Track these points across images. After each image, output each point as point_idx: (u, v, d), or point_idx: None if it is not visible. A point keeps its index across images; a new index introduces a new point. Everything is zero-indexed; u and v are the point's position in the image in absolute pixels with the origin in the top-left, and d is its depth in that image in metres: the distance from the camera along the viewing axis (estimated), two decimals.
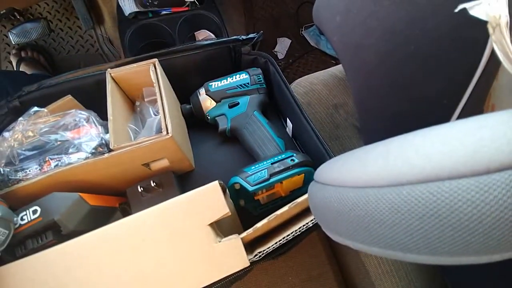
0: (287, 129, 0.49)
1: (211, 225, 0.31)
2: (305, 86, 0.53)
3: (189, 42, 0.49)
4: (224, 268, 0.29)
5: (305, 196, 0.32)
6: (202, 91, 0.48)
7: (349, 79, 0.33)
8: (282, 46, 1.04)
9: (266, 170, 0.35)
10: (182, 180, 0.45)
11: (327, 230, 0.23)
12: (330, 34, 0.34)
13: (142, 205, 0.38)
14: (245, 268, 0.30)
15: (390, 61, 0.27)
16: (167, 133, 0.36)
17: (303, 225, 0.31)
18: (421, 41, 0.26)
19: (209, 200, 0.31)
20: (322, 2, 0.34)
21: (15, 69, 0.93)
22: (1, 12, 0.91)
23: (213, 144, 0.49)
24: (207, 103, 0.48)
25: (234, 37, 0.48)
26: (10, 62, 0.96)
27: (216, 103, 0.47)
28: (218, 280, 0.29)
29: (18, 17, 0.98)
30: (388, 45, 0.27)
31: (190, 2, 0.76)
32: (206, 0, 0.77)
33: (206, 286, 0.30)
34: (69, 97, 0.39)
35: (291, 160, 0.36)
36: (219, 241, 0.30)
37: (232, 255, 0.30)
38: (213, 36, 0.80)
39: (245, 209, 0.41)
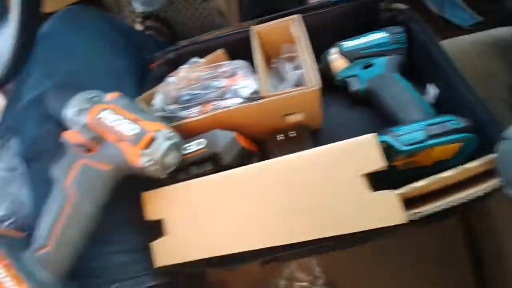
0: (427, 96, 0.44)
1: (365, 176, 0.30)
2: (449, 51, 0.47)
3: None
4: (378, 219, 0.29)
5: (475, 163, 0.29)
6: (333, 50, 0.46)
7: None
8: None
9: (422, 131, 0.33)
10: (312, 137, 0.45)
11: None
12: None
13: (278, 154, 0.41)
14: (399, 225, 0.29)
15: None
16: (314, 85, 0.36)
17: (471, 193, 0.28)
18: None
19: (365, 151, 0.30)
20: None
21: None
22: None
23: (340, 107, 0.47)
24: (338, 63, 0.46)
25: None
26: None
27: (349, 63, 0.45)
28: (370, 230, 0.29)
29: None
30: None
31: None
32: None
33: (352, 234, 0.30)
34: (221, 51, 0.44)
35: (453, 123, 0.33)
36: (373, 192, 0.30)
37: (387, 208, 0.29)
38: None
39: (377, 175, 0.40)
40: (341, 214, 0.30)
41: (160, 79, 0.45)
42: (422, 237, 0.42)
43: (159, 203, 0.36)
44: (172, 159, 0.33)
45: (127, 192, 0.39)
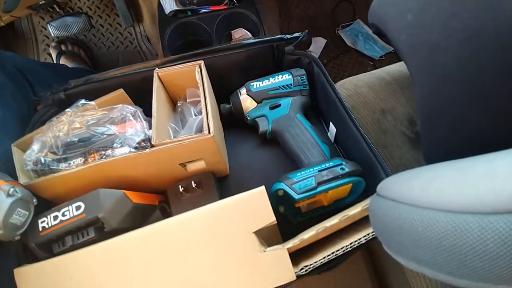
0: (328, 134, 0.47)
1: (255, 233, 0.29)
2: (349, 89, 0.51)
3: (229, 42, 0.48)
4: (270, 279, 0.28)
5: (357, 209, 0.30)
6: (243, 90, 0.46)
7: (417, 81, 0.30)
8: (317, 45, 1.01)
9: (313, 177, 0.33)
10: (217, 184, 0.43)
11: (394, 252, 0.21)
12: (395, 32, 0.32)
13: (181, 204, 0.38)
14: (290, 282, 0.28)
15: (471, 66, 0.24)
16: (209, 132, 0.35)
17: (355, 241, 0.29)
18: (510, 50, 0.23)
19: (255, 206, 0.29)
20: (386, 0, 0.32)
21: (55, 62, 0.96)
22: (41, 3, 0.91)
23: (250, 147, 0.47)
24: (248, 103, 0.46)
25: (279, 36, 0.46)
26: (49, 55, 0.97)
27: (257, 103, 0.46)
28: None
29: (58, 10, 0.97)
30: (470, 49, 0.24)
31: (229, 0, 0.76)
32: None
33: None
34: (120, 91, 0.40)
35: (341, 169, 0.34)
36: (264, 251, 0.29)
37: (278, 266, 0.28)
38: (249, 34, 0.79)
39: (282, 216, 0.39)
40: (235, 278, 0.28)
41: (45, 122, 0.39)
42: (326, 277, 0.42)
43: (32, 282, 0.29)
44: (18, 218, 0.29)
45: (4, 267, 0.32)
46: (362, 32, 1.02)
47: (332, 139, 0.46)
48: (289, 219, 0.40)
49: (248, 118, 0.46)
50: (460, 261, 0.15)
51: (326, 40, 1.02)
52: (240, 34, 0.78)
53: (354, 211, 0.29)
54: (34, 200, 0.32)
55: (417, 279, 0.41)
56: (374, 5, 0.35)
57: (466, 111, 0.27)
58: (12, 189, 0.29)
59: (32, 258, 0.33)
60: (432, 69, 0.28)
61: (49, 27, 0.88)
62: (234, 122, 0.48)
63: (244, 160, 0.46)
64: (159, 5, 0.76)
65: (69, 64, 0.92)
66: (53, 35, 0.89)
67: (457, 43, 0.27)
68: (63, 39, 0.97)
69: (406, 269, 0.42)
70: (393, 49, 1.02)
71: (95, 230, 0.31)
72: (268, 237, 0.34)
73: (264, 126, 0.45)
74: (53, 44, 0.97)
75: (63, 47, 0.96)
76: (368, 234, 0.29)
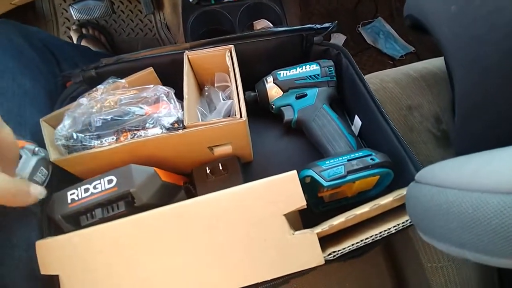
0: (353, 127, 0.47)
1: (285, 215, 0.29)
2: (375, 83, 0.50)
3: (261, 29, 0.48)
4: (298, 262, 0.28)
5: (389, 199, 0.30)
6: (269, 79, 0.46)
7: (457, 74, 0.30)
8: (336, 41, 1.00)
9: (343, 166, 0.33)
10: (242, 169, 0.44)
11: (436, 237, 0.21)
12: (438, 23, 0.31)
13: (207, 186, 0.38)
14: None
15: None
16: (241, 116, 0.35)
17: (385, 230, 0.29)
18: None
19: (286, 189, 0.29)
20: None
21: None
22: None
23: (274, 135, 0.47)
24: (273, 91, 0.46)
25: (309, 25, 0.46)
26: (70, 37, 0.97)
27: (283, 92, 0.46)
28: (286, 275, 0.28)
29: None
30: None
31: None
32: None
33: (268, 280, 0.28)
34: (150, 69, 0.40)
35: (371, 159, 0.34)
36: (293, 234, 0.29)
37: (306, 250, 0.28)
38: (271, 25, 0.78)
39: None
40: (263, 259, 0.28)
41: (75, 99, 0.39)
42: (346, 267, 0.42)
43: (55, 255, 0.30)
44: (40, 177, 0.30)
45: (25, 239, 0.33)
46: (384, 31, 1.01)
47: (356, 132, 0.46)
48: (310, 208, 0.41)
49: (273, 106, 0.46)
50: (505, 240, 0.16)
51: (346, 37, 1.01)
52: (262, 25, 0.78)
53: (386, 200, 0.29)
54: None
55: (436, 275, 0.41)
56: None
57: (507, 106, 0.27)
58: (36, 148, 0.30)
59: (55, 232, 0.33)
60: (474, 62, 0.27)
61: (71, 9, 0.87)
62: (257, 111, 0.48)
63: (268, 148, 0.46)
64: None
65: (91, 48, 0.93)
66: (74, 18, 0.89)
67: (500, 36, 0.26)
68: (84, 22, 0.98)
69: (426, 266, 0.42)
70: (414, 49, 1.01)
71: (125, 204, 0.31)
72: (290, 223, 0.35)
73: (289, 115, 0.45)
74: (74, 27, 0.98)
75: (84, 31, 0.97)
76: (398, 225, 0.29)
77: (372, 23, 1.03)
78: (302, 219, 0.39)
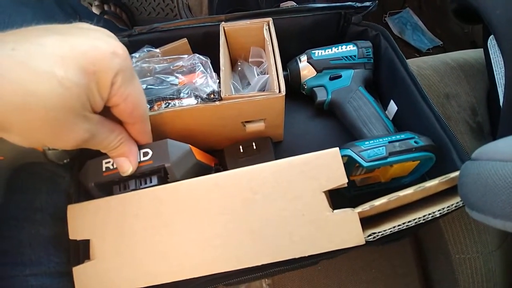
0: (386, 112, 0.45)
1: (325, 193, 0.28)
2: (412, 70, 0.48)
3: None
4: (337, 240, 0.27)
5: (435, 182, 0.28)
6: (303, 58, 0.45)
7: (509, 58, 0.28)
8: None
9: (384, 147, 0.32)
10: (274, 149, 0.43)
11: (496, 214, 0.20)
12: (490, 5, 0.30)
13: (238, 165, 0.37)
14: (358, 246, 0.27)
15: None
16: (279, 91, 0.34)
17: (429, 214, 0.28)
18: None
19: (328, 166, 0.28)
20: None
21: None
22: None
23: (305, 116, 0.46)
24: (306, 71, 0.45)
25: (349, 3, 0.44)
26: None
27: (317, 72, 0.44)
28: (323, 253, 0.27)
29: None
30: None
31: None
32: None
33: (303, 257, 0.28)
34: (184, 40, 0.39)
35: (415, 142, 0.32)
36: (333, 211, 0.28)
37: (346, 228, 0.27)
38: None
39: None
40: (300, 234, 0.27)
41: None
42: (372, 253, 0.42)
43: (86, 220, 0.29)
44: None
45: (50, 203, 0.32)
46: (411, 22, 0.97)
47: (391, 118, 0.44)
48: (340, 191, 0.39)
49: (305, 86, 0.45)
50: None
51: None
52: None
53: (432, 183, 0.28)
54: None
55: (463, 266, 0.40)
56: None
57: None
58: None
59: (83, 198, 0.32)
60: None
61: None
62: (287, 91, 0.47)
63: (298, 129, 0.45)
64: None
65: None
66: None
67: None
68: None
69: (454, 257, 0.41)
70: (441, 43, 0.97)
71: (158, 179, 0.31)
72: None
73: (322, 96, 0.43)
74: (96, 2, 0.97)
75: (106, 7, 0.96)
76: (443, 208, 0.28)
77: (400, 14, 0.99)
78: (332, 203, 0.38)
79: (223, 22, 0.39)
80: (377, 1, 0.44)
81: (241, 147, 0.37)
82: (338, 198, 0.36)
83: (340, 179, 0.28)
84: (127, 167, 0.28)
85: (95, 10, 0.96)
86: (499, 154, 0.20)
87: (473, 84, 0.48)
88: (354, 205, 0.30)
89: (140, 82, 0.26)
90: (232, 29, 0.40)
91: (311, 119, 0.46)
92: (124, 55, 0.23)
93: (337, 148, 0.29)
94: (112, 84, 0.22)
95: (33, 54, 0.19)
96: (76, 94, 0.20)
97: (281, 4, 0.77)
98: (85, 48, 0.21)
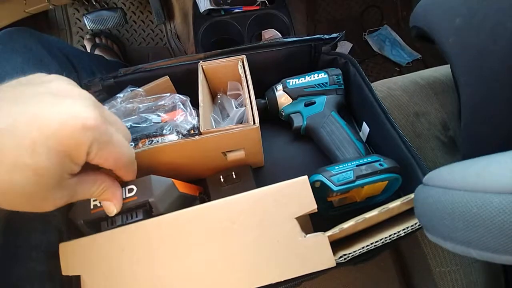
0: (360, 134, 0.48)
1: (297, 219, 0.30)
2: (382, 91, 0.51)
3: (259, 41, 0.49)
4: (310, 264, 0.29)
5: (397, 203, 0.31)
6: (279, 87, 0.48)
7: (462, 84, 0.31)
8: (343, 49, 1.02)
9: (352, 171, 0.34)
10: (255, 176, 0.45)
11: (443, 236, 0.22)
12: (444, 34, 0.33)
13: (221, 194, 0.39)
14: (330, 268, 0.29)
15: None
16: (254, 123, 0.36)
17: (394, 234, 0.30)
18: None
19: (298, 193, 0.31)
20: (434, 2, 0.33)
21: None
22: None
23: (283, 141, 0.49)
24: (283, 99, 0.48)
25: (317, 35, 0.48)
26: (84, 47, 1.01)
27: (292, 100, 0.47)
28: (298, 277, 0.29)
29: (94, 3, 1.01)
30: None
31: (261, 1, 0.78)
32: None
33: (280, 282, 0.30)
34: (166, 78, 0.42)
35: (380, 164, 0.35)
36: (305, 236, 0.30)
37: (318, 252, 0.29)
38: (280, 35, 0.81)
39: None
40: (276, 260, 0.29)
41: None
42: (354, 272, 0.43)
43: (77, 256, 0.31)
44: None
45: (44, 240, 0.34)
46: (390, 38, 1.02)
47: (364, 139, 0.47)
48: (319, 213, 0.42)
49: (283, 113, 0.48)
50: (507, 237, 0.17)
51: (352, 44, 1.03)
52: (271, 35, 0.80)
53: (395, 204, 0.30)
54: None
55: (444, 279, 0.42)
56: (419, 9, 0.36)
57: (510, 113, 0.28)
58: None
59: (73, 235, 0.34)
60: (480, 72, 0.29)
61: (84, 19, 0.90)
62: (266, 118, 0.50)
63: (278, 154, 0.47)
64: (194, 3, 0.79)
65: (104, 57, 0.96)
66: (88, 28, 0.91)
67: (502, 49, 0.27)
68: (97, 32, 1.02)
69: (434, 270, 0.42)
70: (420, 56, 1.02)
71: (143, 213, 0.33)
72: (302, 227, 0.36)
73: (298, 122, 0.46)
74: (88, 36, 1.01)
75: (97, 40, 1.01)
76: (407, 228, 0.30)
77: (378, 31, 1.04)
78: (313, 224, 0.40)
79: (201, 61, 0.43)
80: (344, 32, 0.48)
81: (221, 177, 0.39)
82: (318, 220, 0.38)
83: (309, 205, 0.30)
84: (112, 209, 0.30)
85: (87, 44, 1.00)
86: (442, 181, 0.22)
87: (443, 100, 0.51)
88: (333, 225, 0.32)
89: (119, 138, 0.26)
90: (210, 67, 0.43)
91: (290, 143, 0.48)
92: (95, 124, 0.22)
93: (306, 177, 0.31)
94: (88, 153, 0.23)
95: (5, 142, 0.19)
96: (50, 175, 0.21)
97: (262, 31, 0.82)
98: (55, 128, 0.20)
